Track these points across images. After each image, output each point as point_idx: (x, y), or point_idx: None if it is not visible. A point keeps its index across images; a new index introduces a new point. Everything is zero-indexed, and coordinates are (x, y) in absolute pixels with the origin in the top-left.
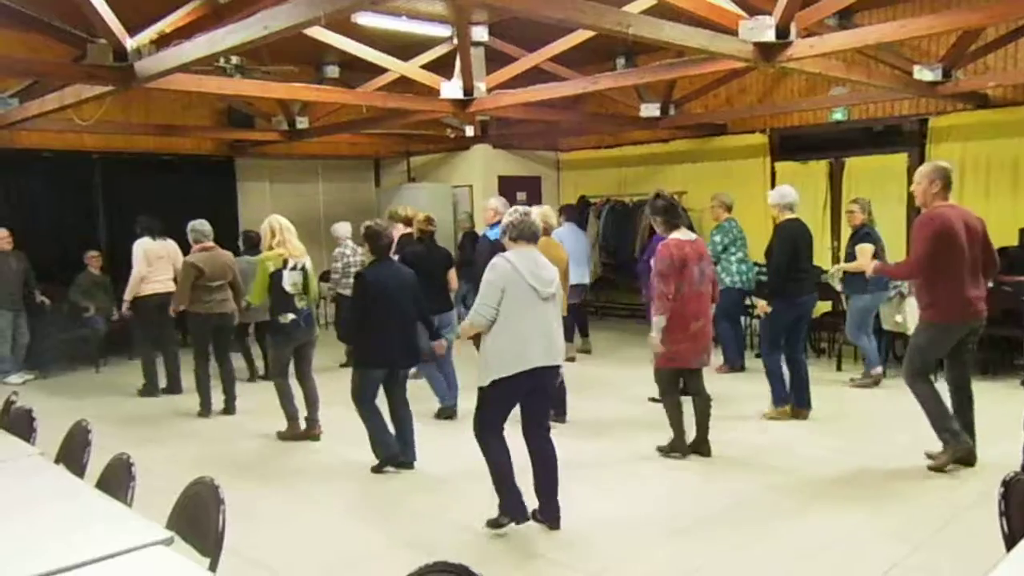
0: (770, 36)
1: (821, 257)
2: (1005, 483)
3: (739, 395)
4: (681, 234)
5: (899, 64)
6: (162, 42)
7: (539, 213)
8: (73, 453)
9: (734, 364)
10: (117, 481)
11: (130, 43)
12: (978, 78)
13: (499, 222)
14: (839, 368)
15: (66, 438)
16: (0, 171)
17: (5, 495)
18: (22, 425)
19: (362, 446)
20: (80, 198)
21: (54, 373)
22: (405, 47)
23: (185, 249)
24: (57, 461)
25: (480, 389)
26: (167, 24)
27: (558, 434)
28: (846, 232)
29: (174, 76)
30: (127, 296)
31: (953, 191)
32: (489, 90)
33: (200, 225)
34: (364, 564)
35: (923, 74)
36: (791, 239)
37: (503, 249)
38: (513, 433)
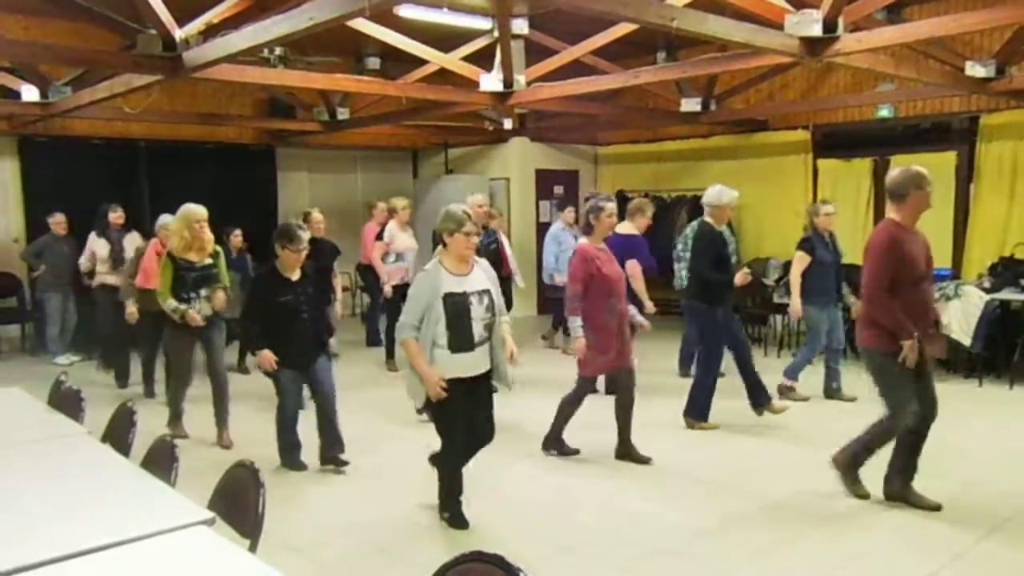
0: (817, 30)
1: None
2: None
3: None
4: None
5: (950, 60)
6: (210, 32)
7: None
8: (119, 433)
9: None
10: (161, 461)
11: (179, 33)
12: None
13: None
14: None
15: (112, 418)
16: (54, 157)
17: (54, 472)
18: (71, 405)
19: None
20: (126, 185)
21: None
22: (445, 39)
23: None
24: (104, 440)
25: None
26: (215, 14)
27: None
28: None
29: (219, 66)
30: None
31: (1004, 192)
32: (528, 83)
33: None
34: None
35: (975, 70)
36: (717, 245)
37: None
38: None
